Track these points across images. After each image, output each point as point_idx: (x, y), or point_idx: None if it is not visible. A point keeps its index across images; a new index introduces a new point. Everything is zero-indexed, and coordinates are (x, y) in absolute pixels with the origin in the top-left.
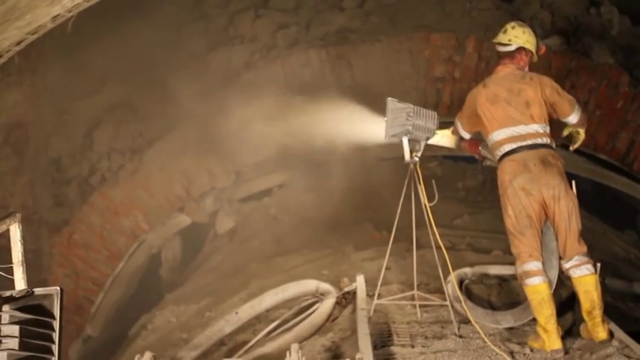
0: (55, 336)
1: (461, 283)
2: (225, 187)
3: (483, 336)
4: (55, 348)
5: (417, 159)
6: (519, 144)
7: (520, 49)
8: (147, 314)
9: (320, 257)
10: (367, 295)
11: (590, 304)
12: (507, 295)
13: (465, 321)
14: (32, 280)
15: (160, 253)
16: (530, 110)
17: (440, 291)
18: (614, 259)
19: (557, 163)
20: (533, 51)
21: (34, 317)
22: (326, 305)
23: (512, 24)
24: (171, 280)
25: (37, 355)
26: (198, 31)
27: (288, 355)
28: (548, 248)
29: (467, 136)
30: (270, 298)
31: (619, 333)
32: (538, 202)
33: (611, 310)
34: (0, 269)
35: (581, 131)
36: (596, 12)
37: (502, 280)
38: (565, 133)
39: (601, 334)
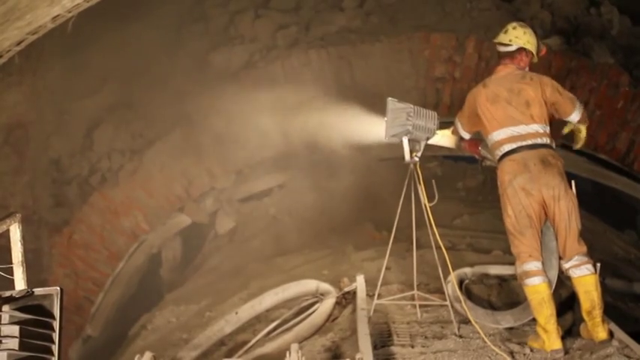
0: (55, 336)
1: (461, 283)
2: (225, 187)
3: (483, 336)
4: (55, 348)
5: (417, 159)
6: (519, 144)
7: (521, 49)
8: (147, 314)
9: (320, 257)
10: (367, 295)
11: (590, 304)
12: (507, 295)
13: (465, 321)
14: (32, 280)
15: (160, 253)
16: (530, 110)
17: (440, 291)
18: (614, 259)
19: (557, 163)
20: (534, 52)
21: (34, 317)
22: (326, 305)
23: (514, 24)
24: (171, 280)
25: (37, 355)
26: (198, 31)
27: (288, 355)
28: (548, 248)
29: (467, 136)
30: (270, 298)
31: (619, 333)
32: (538, 202)
33: (611, 310)
34: (0, 269)
35: (583, 128)
36: (596, 12)
37: (502, 280)
38: (566, 130)
39: (601, 334)
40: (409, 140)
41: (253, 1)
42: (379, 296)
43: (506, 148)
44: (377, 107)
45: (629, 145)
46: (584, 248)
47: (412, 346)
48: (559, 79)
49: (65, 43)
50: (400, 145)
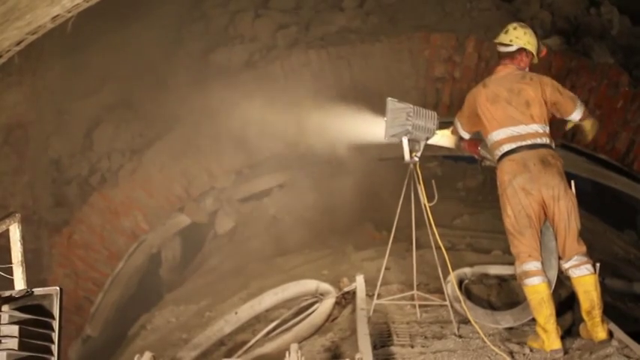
0: (55, 336)
1: (460, 283)
2: (225, 187)
3: (483, 336)
4: (55, 348)
5: (416, 159)
6: (519, 144)
7: (521, 50)
8: (146, 314)
9: (320, 257)
10: (367, 295)
11: (590, 304)
12: (507, 295)
13: (465, 321)
14: (32, 280)
15: (160, 253)
16: (530, 110)
17: (440, 291)
18: (614, 259)
19: (556, 163)
20: (534, 52)
21: (33, 317)
22: (326, 305)
23: (514, 24)
24: (170, 280)
25: (36, 355)
26: (198, 31)
27: (287, 355)
28: (548, 248)
29: (466, 136)
30: (270, 298)
31: (618, 333)
32: (537, 201)
33: (611, 310)
34: (0, 269)
35: (587, 123)
36: (596, 12)
37: (502, 280)
38: (568, 126)
39: (600, 334)
40: (409, 140)
41: (253, 1)
42: (379, 296)
43: (506, 148)
44: (377, 107)
45: (629, 145)
46: (584, 248)
47: (412, 346)
48: (559, 79)
49: (65, 43)
50: (400, 145)
